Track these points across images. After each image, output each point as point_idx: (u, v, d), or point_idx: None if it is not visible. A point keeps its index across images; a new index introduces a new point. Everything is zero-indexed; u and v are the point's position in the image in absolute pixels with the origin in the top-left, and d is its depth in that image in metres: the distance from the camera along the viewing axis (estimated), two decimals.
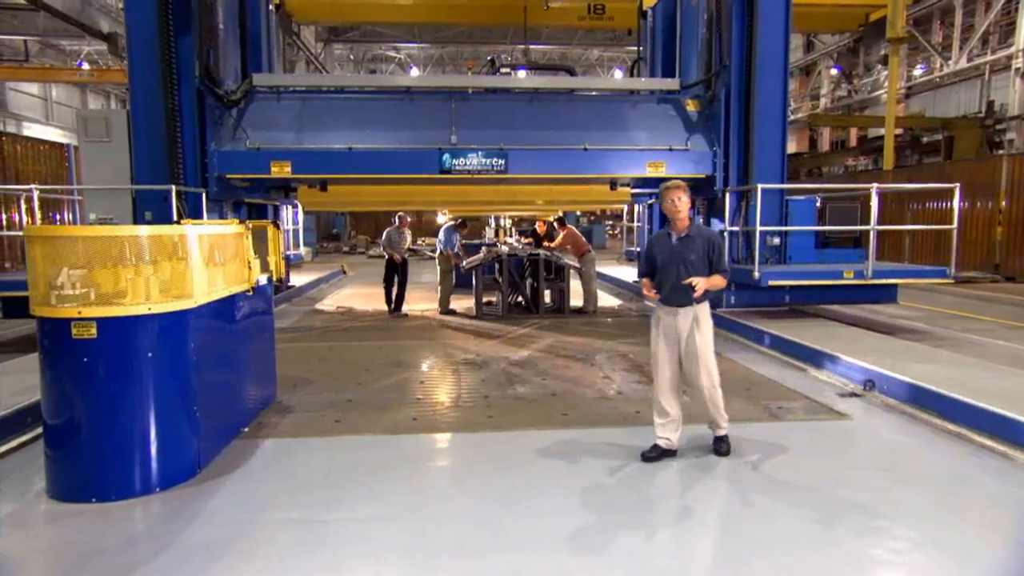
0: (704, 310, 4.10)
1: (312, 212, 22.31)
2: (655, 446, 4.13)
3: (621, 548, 3.06)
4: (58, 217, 10.67)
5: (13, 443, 4.35)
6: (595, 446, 4.42)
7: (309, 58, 22.90)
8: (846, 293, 8.37)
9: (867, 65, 27.13)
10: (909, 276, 8.30)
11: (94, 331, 3.52)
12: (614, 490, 3.72)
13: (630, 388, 5.83)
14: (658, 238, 4.24)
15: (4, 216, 9.72)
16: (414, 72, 33.17)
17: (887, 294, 8.56)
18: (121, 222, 7.64)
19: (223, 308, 4.35)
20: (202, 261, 4.00)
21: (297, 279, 13.42)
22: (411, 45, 31.19)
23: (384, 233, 10.22)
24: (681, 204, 4.02)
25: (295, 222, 11.93)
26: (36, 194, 7.13)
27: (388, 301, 10.11)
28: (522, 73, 13.69)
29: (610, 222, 35.85)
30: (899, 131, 22.23)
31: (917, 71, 25.44)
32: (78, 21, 15.30)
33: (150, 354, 3.66)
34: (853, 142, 26.32)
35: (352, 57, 33.64)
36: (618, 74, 32.40)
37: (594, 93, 9.81)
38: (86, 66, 25.73)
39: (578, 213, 32.26)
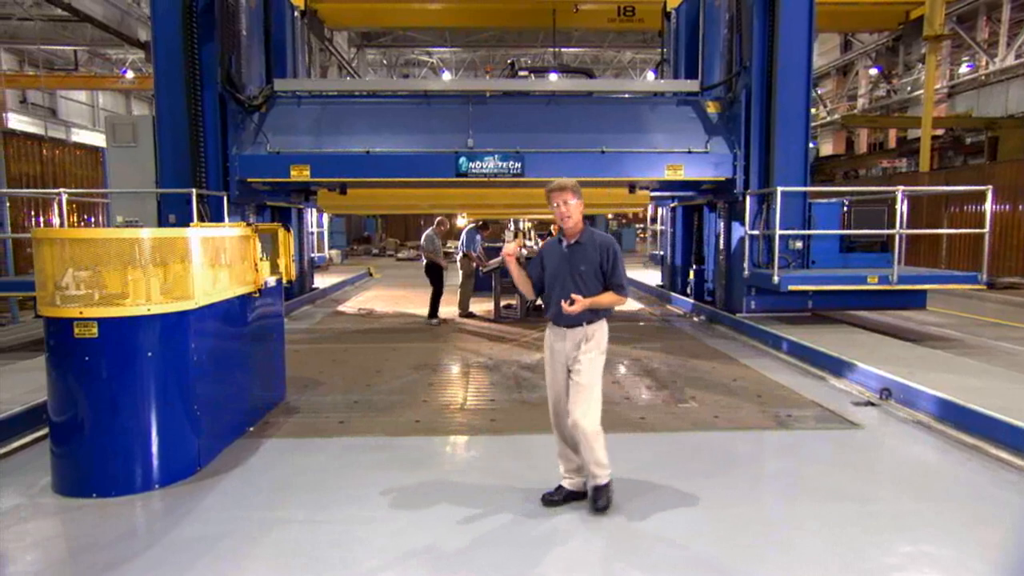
0: (596, 331, 3.45)
1: (342, 215, 22.63)
2: (559, 487, 3.56)
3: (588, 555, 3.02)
4: (92, 219, 11.05)
5: (27, 438, 4.49)
6: None
7: (341, 63, 23.24)
8: (871, 299, 8.12)
9: (907, 64, 26.34)
10: (937, 281, 8.00)
11: (95, 331, 3.62)
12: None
13: (638, 394, 5.76)
14: (548, 245, 3.66)
15: (42, 218, 10.12)
16: (446, 76, 33.39)
17: (915, 300, 8.28)
18: (146, 224, 7.88)
19: (227, 309, 4.43)
20: (205, 263, 4.09)
21: (322, 281, 13.62)
22: (443, 49, 31.43)
23: (424, 235, 9.93)
24: (570, 208, 3.39)
25: (319, 225, 12.12)
26: (65, 197, 7.39)
27: (435, 308, 9.71)
28: (553, 76, 13.67)
29: (641, 225, 35.51)
30: (940, 132, 21.53)
31: (963, 69, 24.62)
32: (117, 31, 15.85)
33: (150, 354, 3.75)
34: (892, 143, 25.58)
35: (385, 62, 34.04)
36: (650, 76, 32.09)
37: (613, 96, 9.71)
38: (130, 74, 26.62)
39: (609, 216, 32.05)
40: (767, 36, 8.18)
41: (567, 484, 3.55)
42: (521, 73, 10.31)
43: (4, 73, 23.74)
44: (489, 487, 3.81)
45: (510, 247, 3.57)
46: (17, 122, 25.03)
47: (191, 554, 3.05)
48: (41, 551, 3.14)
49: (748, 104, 8.44)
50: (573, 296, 3.32)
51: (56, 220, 7.79)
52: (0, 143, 9.43)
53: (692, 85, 9.25)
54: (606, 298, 3.44)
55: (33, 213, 10.09)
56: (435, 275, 9.70)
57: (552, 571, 2.91)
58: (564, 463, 3.56)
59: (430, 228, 9.81)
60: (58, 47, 25.44)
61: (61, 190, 7.61)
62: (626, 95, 9.76)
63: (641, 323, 9.76)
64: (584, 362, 3.38)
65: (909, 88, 25.95)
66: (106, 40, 20.95)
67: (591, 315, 3.43)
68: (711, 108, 8.93)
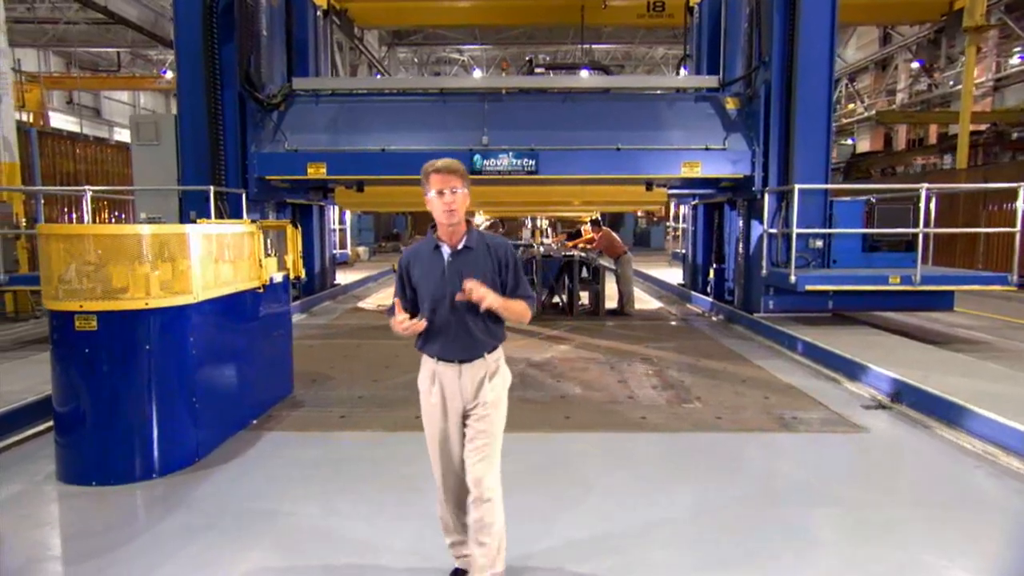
0: (498, 362, 2.63)
1: (370, 212, 22.88)
2: (456, 572, 2.77)
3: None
4: (123, 215, 11.41)
5: (40, 427, 4.64)
6: (580, 450, 4.35)
7: (371, 62, 23.44)
8: (894, 300, 7.88)
9: (950, 57, 25.39)
10: (963, 282, 7.72)
11: (95, 324, 3.73)
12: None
13: (643, 393, 5.70)
14: (419, 253, 2.63)
15: (75, 215, 10.50)
16: (477, 73, 33.44)
17: (942, 301, 8.01)
18: (168, 220, 8.08)
19: (229, 304, 4.51)
20: (205, 259, 4.18)
21: (344, 278, 13.78)
22: (473, 47, 31.48)
23: None
24: (457, 199, 2.47)
25: (342, 222, 12.27)
26: (89, 195, 7.64)
27: None
28: (584, 72, 13.58)
29: (672, 224, 35.08)
30: (983, 127, 20.74)
31: (1014, 60, 23.64)
32: (151, 32, 16.34)
33: (148, 347, 3.85)
34: (934, 139, 24.74)
35: (416, 60, 34.25)
36: (683, 72, 31.59)
37: (630, 92, 9.61)
38: (169, 74, 27.30)
39: (639, 214, 31.77)
40: (787, 29, 8.00)
41: (462, 565, 2.74)
42: (538, 70, 10.27)
43: (50, 75, 24.59)
44: None
45: (398, 319, 2.50)
46: (63, 122, 25.93)
47: (176, 544, 3.12)
48: (37, 536, 3.25)
49: (768, 99, 8.26)
50: (471, 286, 2.39)
51: (87, 217, 8.04)
52: (36, 142, 9.77)
53: (711, 81, 9.10)
54: (518, 304, 2.56)
55: (66, 210, 10.46)
56: None
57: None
58: (454, 538, 2.75)
59: (481, 228, 9.98)
60: (102, 49, 26.27)
61: (86, 187, 7.86)
62: (641, 91, 9.65)
63: (658, 322, 9.65)
64: (492, 406, 2.57)
65: (951, 82, 25.04)
66: (146, 42, 21.58)
67: (491, 339, 2.60)
68: (730, 104, 8.77)
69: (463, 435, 2.61)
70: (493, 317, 2.57)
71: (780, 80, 8.13)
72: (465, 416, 2.60)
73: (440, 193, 2.46)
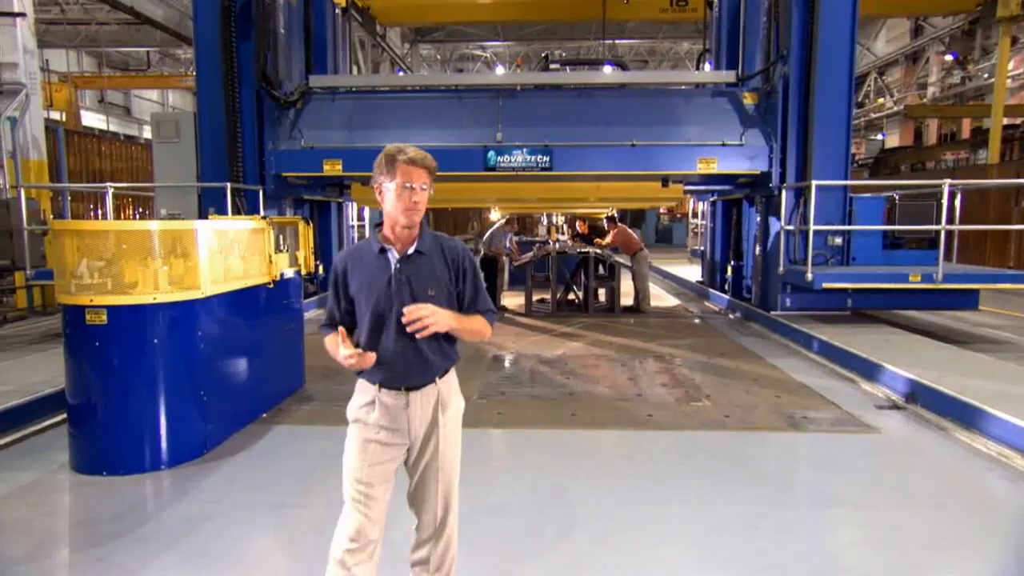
0: (451, 388, 2.27)
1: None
2: None
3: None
4: (147, 212, 11.65)
5: (58, 417, 4.75)
6: (583, 448, 4.34)
7: (394, 59, 23.56)
8: (916, 298, 7.72)
9: (985, 49, 24.68)
10: (987, 281, 7.52)
11: (104, 318, 3.81)
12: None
13: (652, 391, 5.66)
14: (360, 257, 2.21)
15: (100, 211, 10.75)
16: (499, 70, 33.39)
17: (966, 300, 7.81)
18: (188, 217, 8.22)
19: (238, 299, 4.58)
20: (213, 254, 4.25)
21: None
22: (496, 43, 31.45)
23: (490, 231, 10.33)
24: (423, 199, 2.09)
25: (361, 218, 12.36)
26: (111, 192, 7.81)
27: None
28: (607, 69, 13.48)
29: (692, 220, 34.67)
30: (1018, 120, 20.17)
31: None
32: (176, 31, 16.63)
33: (156, 341, 3.93)
34: (967, 134, 24.09)
35: (439, 57, 34.33)
36: (707, 67, 31.10)
37: (646, 88, 9.52)
38: None
39: (661, 210, 31.50)
40: (806, 22, 7.84)
41: None
42: (553, 66, 10.23)
43: (80, 75, 25.19)
44: (474, 480, 3.82)
45: (342, 353, 2.09)
46: (95, 120, 26.58)
47: (178, 533, 3.19)
48: (46, 523, 3.34)
49: (786, 94, 8.12)
50: (414, 313, 2.01)
51: (109, 213, 8.22)
52: (63, 140, 10.01)
53: (728, 76, 8.98)
54: (476, 322, 2.20)
55: (92, 206, 10.70)
56: (487, 269, 9.89)
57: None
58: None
59: (495, 225, 10.15)
60: (132, 48, 26.84)
61: (108, 184, 8.04)
62: (657, 87, 9.56)
63: (674, 319, 9.58)
64: (448, 437, 2.23)
65: (986, 75, 24.36)
66: (174, 41, 22.00)
67: (444, 360, 2.22)
68: (748, 99, 8.65)
69: (389, 474, 2.26)
70: (448, 334, 2.19)
71: (799, 74, 7.98)
72: (409, 452, 2.23)
73: (409, 188, 2.06)
